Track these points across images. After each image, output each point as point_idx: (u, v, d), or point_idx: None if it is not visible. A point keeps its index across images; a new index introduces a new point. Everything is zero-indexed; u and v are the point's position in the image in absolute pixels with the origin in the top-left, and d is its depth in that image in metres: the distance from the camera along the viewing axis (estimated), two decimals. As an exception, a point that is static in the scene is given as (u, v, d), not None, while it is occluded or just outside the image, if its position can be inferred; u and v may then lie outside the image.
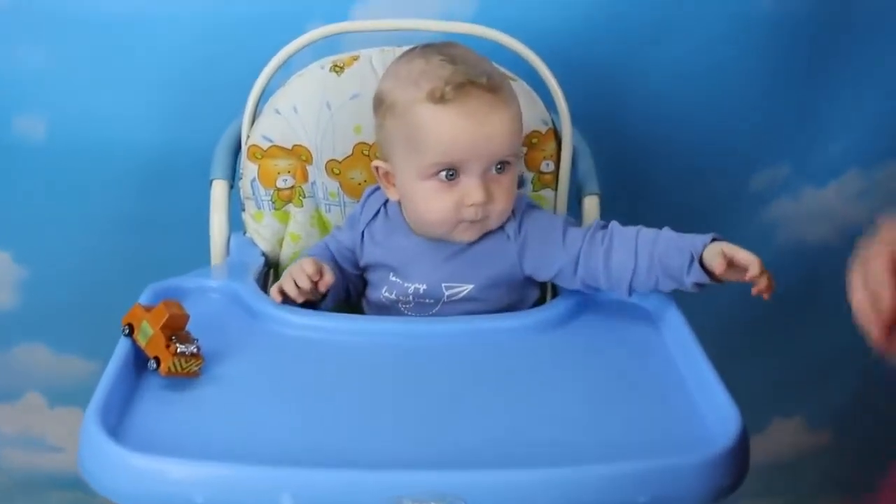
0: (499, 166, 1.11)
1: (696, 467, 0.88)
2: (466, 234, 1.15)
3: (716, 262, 1.05)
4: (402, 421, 0.95)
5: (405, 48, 1.27)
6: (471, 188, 1.11)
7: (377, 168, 1.17)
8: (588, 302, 1.15)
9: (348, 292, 1.24)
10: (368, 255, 1.21)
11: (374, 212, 1.22)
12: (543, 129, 1.31)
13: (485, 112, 1.09)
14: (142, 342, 1.00)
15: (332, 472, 0.85)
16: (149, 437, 0.91)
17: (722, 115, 1.59)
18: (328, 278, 1.15)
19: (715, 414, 0.95)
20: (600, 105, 1.50)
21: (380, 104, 1.15)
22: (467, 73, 1.09)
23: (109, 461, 0.87)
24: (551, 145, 1.32)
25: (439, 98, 1.08)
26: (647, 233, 1.12)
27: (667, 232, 1.11)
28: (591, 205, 1.30)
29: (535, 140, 1.30)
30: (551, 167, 1.32)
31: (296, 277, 1.13)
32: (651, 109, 1.55)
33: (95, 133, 1.52)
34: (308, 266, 1.14)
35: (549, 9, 1.47)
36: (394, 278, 1.19)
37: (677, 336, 1.08)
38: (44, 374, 1.73)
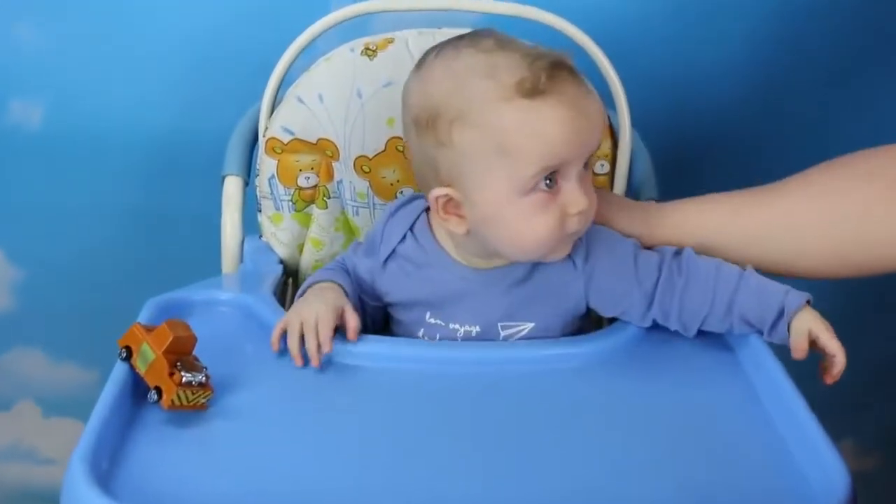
0: (586, 163, 0.96)
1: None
2: (560, 251, 0.98)
3: (798, 341, 0.96)
4: (435, 461, 0.83)
5: (446, 31, 1.15)
6: (573, 194, 0.94)
7: (437, 199, 0.97)
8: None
9: (366, 326, 1.06)
10: (397, 291, 1.04)
11: (399, 236, 1.04)
12: None
13: (582, 98, 0.93)
14: (141, 369, 0.87)
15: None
16: (145, 486, 0.78)
17: (787, 111, 1.49)
18: (353, 324, 0.97)
19: (816, 470, 0.81)
20: (659, 102, 1.40)
21: (434, 118, 0.95)
22: (549, 56, 0.93)
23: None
24: (607, 144, 1.19)
25: (531, 90, 0.91)
26: (727, 273, 0.99)
27: (751, 276, 0.99)
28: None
29: None
30: (606, 168, 1.20)
31: (307, 336, 0.95)
32: (712, 111, 1.46)
33: (97, 121, 1.44)
34: (323, 329, 0.95)
35: None
36: (432, 320, 1.03)
37: (761, 368, 0.94)
38: (38, 381, 1.66)
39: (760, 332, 0.97)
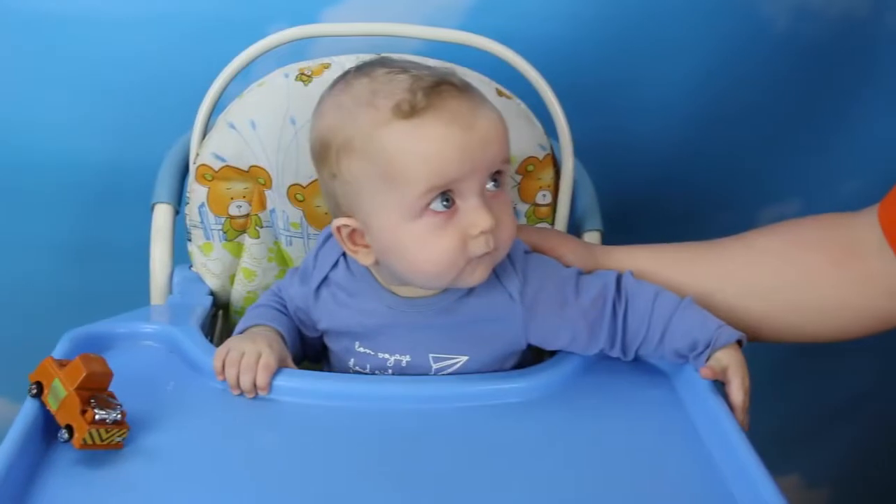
0: (495, 180, 0.92)
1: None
2: (476, 275, 0.93)
3: (710, 368, 0.94)
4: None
5: (383, 55, 1.12)
6: (474, 214, 0.90)
7: (340, 229, 0.95)
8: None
9: (305, 356, 1.06)
10: (328, 319, 1.01)
11: (331, 262, 1.02)
12: (541, 156, 1.16)
13: (468, 113, 0.89)
14: (52, 406, 0.83)
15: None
16: None
17: (731, 148, 1.51)
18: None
19: (745, 489, 0.81)
20: (602, 132, 1.38)
21: (326, 150, 0.94)
22: (431, 75, 0.90)
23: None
24: (549, 174, 1.18)
25: (409, 110, 0.88)
26: (665, 300, 0.98)
27: (688, 309, 0.99)
28: (591, 241, 1.16)
29: (530, 167, 1.16)
30: (548, 198, 1.18)
31: (242, 373, 0.93)
32: (656, 140, 1.47)
33: (26, 146, 1.40)
34: (262, 376, 0.93)
35: (542, 21, 1.36)
36: (362, 349, 1.00)
37: (702, 403, 0.93)
38: None
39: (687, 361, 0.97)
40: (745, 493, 0.81)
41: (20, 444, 0.80)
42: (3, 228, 1.46)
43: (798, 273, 1.05)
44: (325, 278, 1.01)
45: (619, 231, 1.23)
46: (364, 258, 0.95)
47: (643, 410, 0.95)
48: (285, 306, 1.04)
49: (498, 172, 0.92)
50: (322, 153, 0.94)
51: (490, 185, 0.91)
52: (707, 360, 0.95)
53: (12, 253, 1.48)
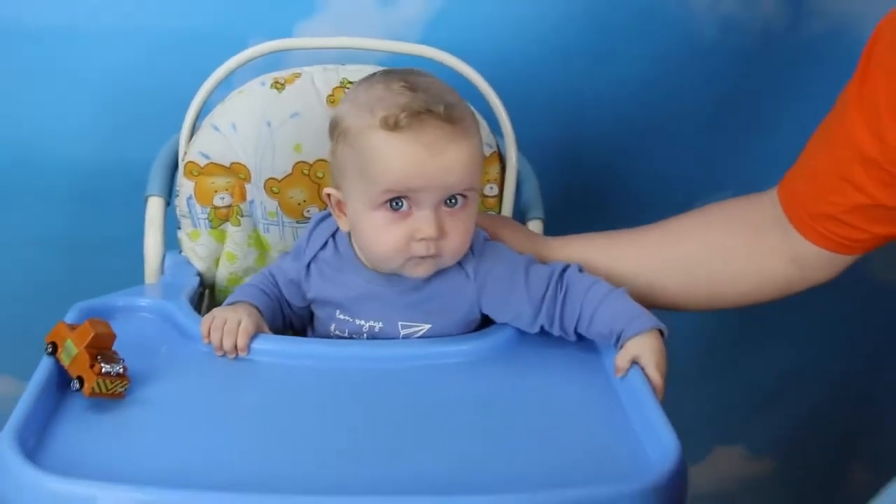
0: (453, 200, 1.07)
1: (634, 495, 0.86)
2: (418, 270, 1.09)
3: (618, 359, 1.05)
4: (328, 442, 0.93)
5: (349, 67, 1.27)
6: (422, 221, 1.06)
7: (329, 195, 1.12)
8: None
9: (292, 326, 1.20)
10: (315, 290, 1.15)
11: (321, 243, 1.16)
12: (488, 153, 1.29)
13: (440, 142, 1.04)
14: (65, 361, 0.96)
15: (264, 499, 0.82)
16: (68, 460, 0.87)
17: (667, 142, 1.61)
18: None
19: (654, 442, 0.94)
20: (547, 130, 1.50)
21: (334, 128, 1.10)
22: (426, 101, 1.04)
23: (25, 484, 0.83)
24: (495, 168, 1.31)
25: (393, 125, 1.03)
26: (596, 291, 1.10)
27: (615, 299, 1.09)
28: (535, 229, 1.29)
29: None
30: (495, 190, 1.31)
31: (225, 336, 1.06)
32: (597, 135, 1.57)
33: (25, 148, 1.49)
34: (241, 338, 1.06)
35: (497, 32, 1.48)
36: (342, 316, 1.14)
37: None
38: None
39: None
40: (647, 436, 0.95)
41: (39, 393, 0.93)
42: (4, 225, 1.53)
43: (709, 250, 1.19)
44: (315, 256, 1.16)
45: (565, 219, 1.34)
46: (343, 225, 1.12)
47: (569, 373, 1.07)
48: (275, 284, 1.17)
49: (460, 195, 1.06)
50: (331, 130, 1.11)
51: (448, 204, 1.06)
52: (621, 347, 1.05)
53: (12, 247, 1.55)
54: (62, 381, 0.97)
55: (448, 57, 1.27)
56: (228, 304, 1.13)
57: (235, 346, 1.05)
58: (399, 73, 1.09)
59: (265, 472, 0.88)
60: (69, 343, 0.96)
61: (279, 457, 0.90)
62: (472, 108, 1.27)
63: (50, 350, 0.98)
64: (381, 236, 1.07)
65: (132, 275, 1.27)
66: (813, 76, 1.58)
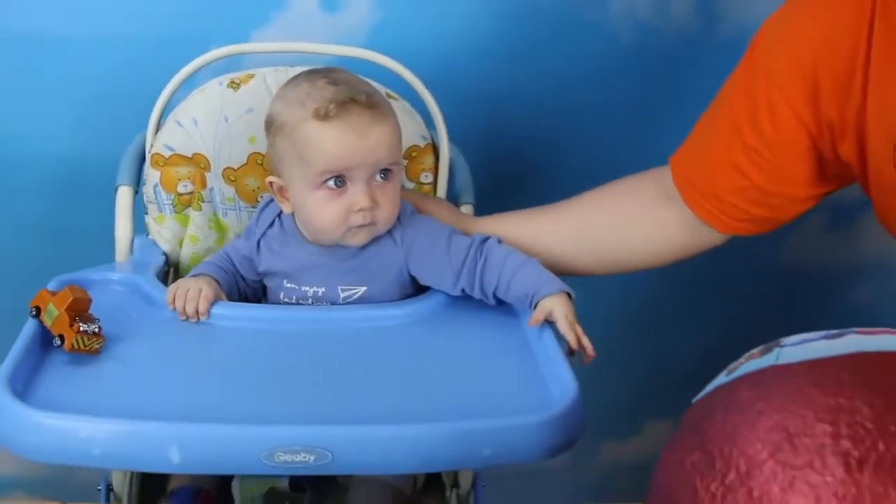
0: (382, 175, 1.22)
1: (532, 426, 1.01)
2: (356, 238, 1.24)
3: (535, 314, 1.18)
4: (280, 386, 1.07)
5: (298, 68, 1.40)
6: (357, 195, 1.21)
7: (271, 183, 1.26)
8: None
9: (246, 297, 1.33)
10: (265, 263, 1.30)
11: (268, 223, 1.31)
12: (422, 144, 1.43)
13: (365, 125, 1.20)
14: (47, 322, 1.10)
15: (215, 427, 0.97)
16: (52, 401, 1.00)
17: (585, 133, 1.71)
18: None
19: (556, 383, 1.09)
20: (478, 123, 1.62)
21: (270, 125, 1.24)
22: (348, 92, 1.20)
23: (16, 420, 0.97)
24: (430, 158, 1.43)
25: (324, 115, 1.19)
26: (513, 261, 1.23)
27: (531, 265, 1.23)
28: (466, 212, 1.42)
29: (414, 153, 1.42)
30: (430, 178, 1.44)
31: (187, 302, 1.19)
32: (523, 126, 1.69)
33: (7, 145, 1.60)
34: (202, 304, 1.19)
35: (432, 37, 1.60)
36: (288, 284, 1.28)
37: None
38: None
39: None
40: (551, 375, 1.10)
41: (25, 348, 1.06)
42: None
43: (614, 221, 1.34)
44: (264, 234, 1.30)
45: (493, 203, 1.44)
46: (286, 208, 1.27)
47: (490, 330, 1.22)
48: (230, 262, 1.30)
49: (386, 170, 1.22)
50: (267, 127, 1.26)
51: (378, 178, 1.22)
52: (535, 308, 1.18)
53: None
54: (45, 340, 1.11)
55: (387, 60, 1.40)
56: (190, 277, 1.27)
57: (197, 311, 1.19)
58: (320, 71, 1.25)
59: (224, 409, 1.02)
60: (51, 306, 1.10)
61: (236, 397, 1.05)
62: (407, 104, 1.42)
63: (34, 313, 1.11)
64: (323, 212, 1.22)
65: (105, 260, 1.37)
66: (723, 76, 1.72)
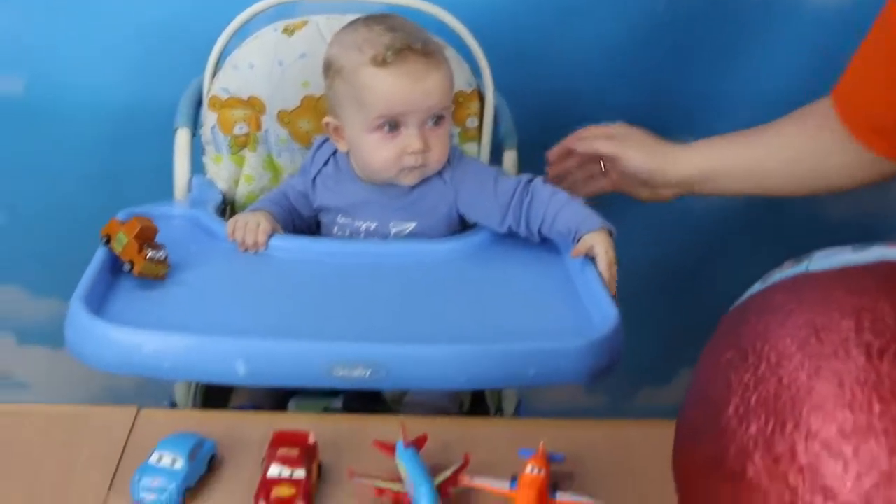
0: (434, 120, 1.27)
1: (575, 349, 1.08)
2: (408, 178, 1.30)
3: (578, 246, 1.22)
4: (336, 309, 1.14)
5: (350, 16, 1.44)
6: (410, 138, 1.26)
7: (328, 123, 1.32)
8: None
9: (301, 233, 1.37)
10: (321, 199, 1.36)
11: (323, 161, 1.36)
12: (468, 90, 1.48)
13: (420, 73, 1.25)
14: (117, 249, 1.16)
15: (278, 342, 1.04)
16: (122, 318, 1.07)
17: (631, 87, 1.75)
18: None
19: (597, 311, 1.15)
20: (522, 71, 1.66)
21: (328, 68, 1.30)
22: (405, 39, 1.25)
23: (92, 335, 1.05)
24: (475, 104, 1.48)
25: (381, 62, 1.24)
26: (557, 200, 1.27)
27: (573, 204, 1.26)
28: (510, 157, 1.47)
29: (461, 99, 1.47)
30: (475, 123, 1.49)
31: (247, 234, 1.25)
32: (566, 76, 1.72)
33: (71, 91, 1.66)
34: (261, 236, 1.24)
35: None
36: (343, 219, 1.34)
37: (575, 259, 1.26)
38: (17, 315, 1.87)
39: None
40: (592, 304, 1.16)
41: (98, 270, 1.13)
42: (51, 158, 1.70)
43: (810, 150, 1.32)
44: (319, 172, 1.37)
45: (537, 148, 1.50)
46: (342, 146, 1.32)
47: (534, 265, 1.27)
48: (287, 198, 1.36)
49: (439, 116, 1.28)
50: (325, 70, 1.31)
51: (430, 123, 1.27)
52: (578, 241, 1.22)
53: (57, 177, 1.72)
54: (114, 266, 1.17)
55: (435, 8, 1.44)
56: (248, 211, 1.33)
57: (256, 242, 1.26)
58: (377, 17, 1.30)
59: (285, 327, 1.09)
60: (120, 234, 1.16)
61: (295, 317, 1.12)
62: (455, 51, 1.47)
63: (105, 241, 1.18)
64: (377, 153, 1.28)
65: (164, 199, 1.41)
66: (759, 34, 1.74)
